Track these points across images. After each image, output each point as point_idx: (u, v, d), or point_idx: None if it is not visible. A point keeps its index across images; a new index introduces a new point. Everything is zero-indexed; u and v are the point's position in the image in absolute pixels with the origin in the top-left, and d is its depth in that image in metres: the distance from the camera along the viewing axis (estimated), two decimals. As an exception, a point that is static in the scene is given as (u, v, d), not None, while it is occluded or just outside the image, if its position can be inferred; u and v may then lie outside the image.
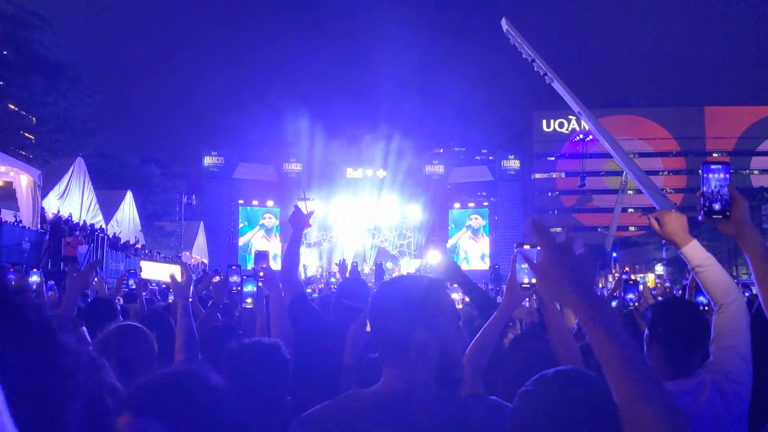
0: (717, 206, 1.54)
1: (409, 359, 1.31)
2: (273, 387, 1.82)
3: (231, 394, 1.12)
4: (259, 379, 1.79)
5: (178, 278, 2.38)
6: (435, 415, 1.25)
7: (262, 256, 3.14)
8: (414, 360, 1.31)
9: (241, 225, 47.90)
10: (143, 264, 2.68)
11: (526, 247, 1.86)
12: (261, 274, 2.95)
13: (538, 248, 1.08)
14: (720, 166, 1.56)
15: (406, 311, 1.33)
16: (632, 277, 6.31)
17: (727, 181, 1.55)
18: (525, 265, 1.85)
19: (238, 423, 1.10)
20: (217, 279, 5.73)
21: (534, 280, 1.83)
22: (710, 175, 1.56)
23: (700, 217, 1.59)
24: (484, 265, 44.57)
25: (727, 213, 1.55)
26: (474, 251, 48.70)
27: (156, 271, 2.64)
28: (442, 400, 1.31)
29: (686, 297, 4.46)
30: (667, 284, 16.37)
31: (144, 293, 5.09)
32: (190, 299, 2.66)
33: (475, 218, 49.12)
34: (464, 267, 49.10)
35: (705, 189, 1.56)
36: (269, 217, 47.74)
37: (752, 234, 1.55)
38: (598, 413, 1.01)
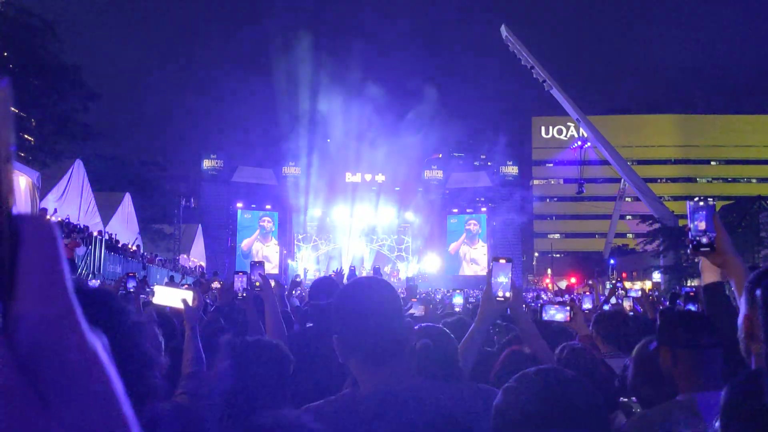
0: (704, 240, 1.67)
1: (403, 357, 1.37)
2: (275, 382, 1.88)
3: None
4: (262, 372, 1.85)
5: (190, 303, 2.46)
6: (436, 409, 1.30)
7: (258, 266, 3.17)
8: (406, 356, 1.38)
9: (239, 228, 47.93)
10: (156, 289, 2.70)
11: (502, 261, 1.90)
12: (257, 283, 3.00)
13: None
14: (705, 204, 1.70)
15: (394, 311, 1.38)
16: (625, 284, 6.43)
17: (712, 218, 1.67)
18: (501, 279, 1.90)
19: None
20: (216, 284, 5.79)
21: (508, 294, 1.87)
22: (696, 213, 1.68)
23: (689, 251, 1.72)
24: (482, 271, 44.63)
25: (713, 246, 1.67)
26: (471, 257, 48.78)
27: (168, 297, 2.65)
28: (440, 392, 1.37)
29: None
30: (656, 293, 16.32)
31: (141, 295, 5.14)
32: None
33: (473, 223, 49.22)
34: (462, 272, 49.05)
35: (692, 225, 1.69)
36: (267, 221, 47.74)
37: (735, 263, 1.66)
38: (576, 409, 1.09)
